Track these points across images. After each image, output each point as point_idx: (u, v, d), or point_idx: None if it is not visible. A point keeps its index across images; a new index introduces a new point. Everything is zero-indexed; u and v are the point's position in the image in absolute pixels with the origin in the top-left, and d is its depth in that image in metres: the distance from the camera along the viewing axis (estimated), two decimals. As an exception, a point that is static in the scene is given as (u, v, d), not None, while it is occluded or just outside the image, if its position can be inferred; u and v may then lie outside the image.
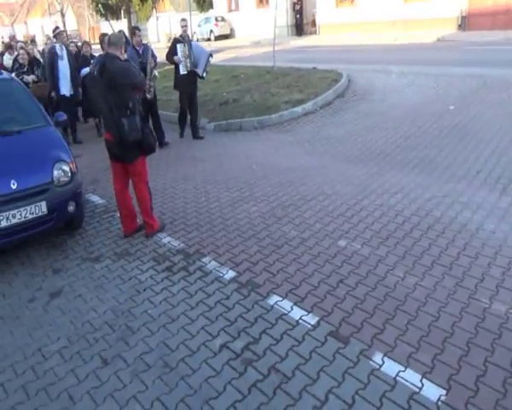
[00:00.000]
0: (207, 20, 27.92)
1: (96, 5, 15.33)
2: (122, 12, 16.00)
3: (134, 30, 6.74)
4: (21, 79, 6.88)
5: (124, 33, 6.40)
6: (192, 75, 6.99)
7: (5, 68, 8.22)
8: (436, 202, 4.35)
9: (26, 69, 7.27)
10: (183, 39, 6.93)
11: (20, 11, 45.96)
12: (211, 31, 27.60)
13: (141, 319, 2.94)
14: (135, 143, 3.76)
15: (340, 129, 7.21)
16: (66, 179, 3.89)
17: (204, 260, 3.62)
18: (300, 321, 2.78)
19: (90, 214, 4.70)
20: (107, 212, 4.76)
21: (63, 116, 4.63)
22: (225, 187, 5.16)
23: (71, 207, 3.93)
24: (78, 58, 7.97)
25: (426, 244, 3.60)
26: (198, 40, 14.33)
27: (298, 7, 24.16)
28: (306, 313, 2.86)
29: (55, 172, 3.83)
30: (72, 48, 8.58)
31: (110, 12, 15.68)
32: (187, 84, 7.02)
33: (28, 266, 3.77)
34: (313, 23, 24.24)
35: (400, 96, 8.85)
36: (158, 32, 31.73)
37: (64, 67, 7.42)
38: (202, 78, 7.14)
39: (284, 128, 7.59)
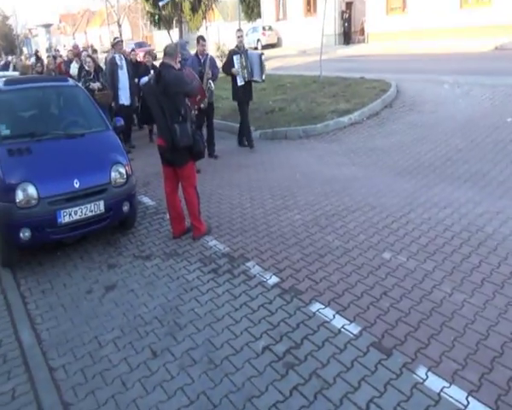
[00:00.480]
0: (255, 29, 28.36)
1: (151, 16, 16.08)
2: (174, 22, 16.66)
3: (199, 39, 6.73)
4: (87, 86, 7.24)
5: (178, 43, 6.70)
6: (249, 85, 7.06)
7: (71, 76, 8.75)
8: (488, 218, 4.21)
9: (92, 76, 7.52)
10: (239, 50, 6.97)
11: (80, 21, 48.99)
12: (258, 40, 28.00)
13: (188, 316, 3.08)
14: (186, 148, 3.96)
15: (387, 140, 7.12)
16: (123, 181, 4.15)
17: (248, 264, 3.72)
18: (342, 330, 2.81)
19: (141, 215, 4.95)
20: (158, 213, 4.99)
21: (121, 121, 4.94)
22: (270, 194, 5.26)
23: (125, 207, 4.18)
24: (139, 67, 8.26)
25: (476, 261, 3.50)
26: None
27: (346, 15, 24.01)
28: (349, 322, 2.87)
29: (113, 174, 4.09)
30: (132, 56, 8.97)
31: (163, 22, 16.42)
32: (245, 93, 7.06)
33: (86, 260, 4.05)
34: (362, 31, 23.98)
35: (453, 107, 8.59)
36: (207, 41, 32.63)
37: (123, 76, 7.67)
38: (262, 81, 7.19)
39: (330, 138, 7.59)
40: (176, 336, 2.88)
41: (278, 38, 28.11)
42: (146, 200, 5.45)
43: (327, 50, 20.48)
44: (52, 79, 6.27)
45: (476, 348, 2.58)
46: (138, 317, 3.12)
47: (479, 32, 17.90)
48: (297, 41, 25.19)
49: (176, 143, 3.88)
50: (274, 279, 3.45)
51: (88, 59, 7.75)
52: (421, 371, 2.43)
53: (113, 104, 7.65)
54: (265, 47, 27.61)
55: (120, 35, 29.38)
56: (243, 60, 6.86)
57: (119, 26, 28.99)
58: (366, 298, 3.12)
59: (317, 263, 3.64)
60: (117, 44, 8.13)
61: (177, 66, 4.10)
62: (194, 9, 15.46)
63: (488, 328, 2.74)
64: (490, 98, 8.79)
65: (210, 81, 6.41)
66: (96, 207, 3.91)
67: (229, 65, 6.93)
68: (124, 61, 7.73)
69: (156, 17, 16.18)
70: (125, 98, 7.69)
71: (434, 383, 2.35)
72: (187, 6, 15.44)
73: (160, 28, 18.27)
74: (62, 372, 2.65)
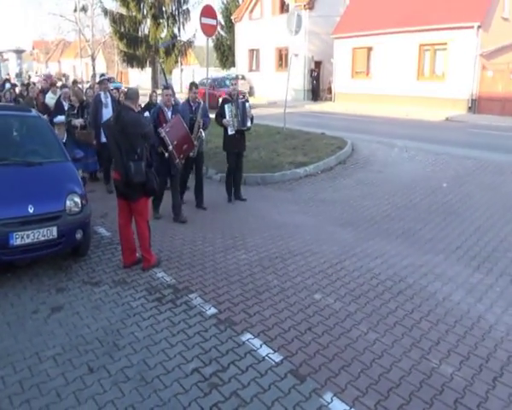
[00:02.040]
0: (228, 76, 29.65)
1: (125, 54, 16.81)
2: (147, 62, 17.42)
3: (191, 86, 6.64)
4: (69, 121, 7.30)
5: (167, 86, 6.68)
6: (240, 134, 6.86)
7: (47, 107, 8.59)
8: (411, 270, 4.72)
9: (76, 111, 7.50)
10: (232, 98, 6.83)
11: (55, 50, 49.17)
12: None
13: (127, 338, 3.33)
14: (139, 184, 4.31)
15: (337, 193, 7.74)
16: (77, 209, 4.42)
17: (191, 295, 4.03)
18: (266, 358, 3.14)
19: (96, 244, 5.18)
20: (112, 244, 5.24)
21: (80, 154, 5.28)
22: (221, 234, 5.63)
23: (78, 235, 4.42)
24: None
25: (393, 307, 3.96)
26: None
27: (315, 73, 25.64)
28: (273, 351, 3.21)
29: (68, 202, 4.36)
30: (115, 94, 8.81)
31: (136, 61, 17.12)
32: (235, 143, 6.86)
33: (36, 283, 4.22)
34: (329, 90, 25.56)
35: (399, 169, 9.43)
36: (181, 83, 33.69)
37: (108, 114, 7.19)
38: (249, 128, 7.04)
39: (285, 187, 8.14)
40: (113, 356, 3.12)
41: (250, 88, 29.38)
42: (102, 230, 5.69)
43: (295, 104, 21.79)
44: (15, 108, 6.40)
45: (378, 379, 2.97)
46: (80, 337, 3.34)
47: (433, 103, 19.50)
48: (268, 92, 26.49)
49: (130, 179, 4.24)
50: (212, 310, 3.77)
51: (73, 97, 7.72)
52: (328, 396, 2.78)
53: (94, 142, 7.42)
54: (238, 95, 28.81)
55: (94, 69, 29.88)
56: (234, 108, 6.69)
57: (93, 60, 29.49)
58: (292, 332, 3.48)
59: (254, 299, 3.99)
60: (102, 82, 7.97)
61: (137, 109, 4.53)
62: (167, 53, 16.25)
63: (392, 363, 3.14)
64: (432, 164, 9.72)
65: (201, 130, 6.32)
66: (49, 233, 4.14)
67: (220, 115, 6.71)
68: (109, 99, 7.61)
69: (125, 56, 16.90)
70: (103, 135, 7.33)
71: (337, 406, 2.71)
72: (160, 49, 16.23)
73: (132, 67, 18.98)
74: (0, 383, 2.82)
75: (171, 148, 5.64)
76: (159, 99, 7.66)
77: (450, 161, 9.83)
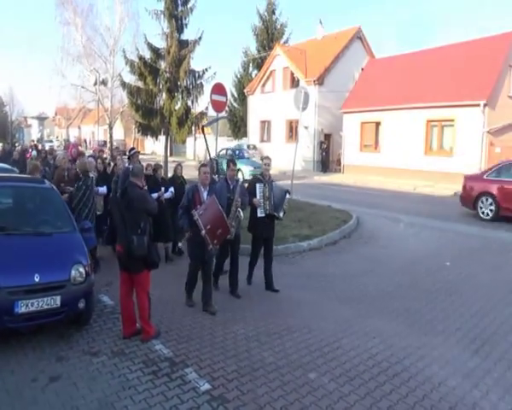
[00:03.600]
0: (240, 146, 30.70)
1: (140, 125, 17.91)
2: (162, 132, 18.45)
3: (229, 163, 6.34)
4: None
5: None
6: (270, 218, 6.43)
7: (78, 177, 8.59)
8: (409, 352, 4.71)
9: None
10: (264, 179, 6.44)
11: (76, 116, 51.94)
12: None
13: (120, 412, 3.38)
14: (141, 257, 4.53)
15: (339, 268, 7.84)
16: (81, 279, 4.62)
17: (187, 370, 4.09)
18: (254, 440, 3.15)
19: (98, 313, 5.32)
20: (114, 313, 5.37)
21: (88, 224, 5.57)
22: (221, 307, 5.71)
23: (81, 304, 4.59)
24: (149, 180, 7.42)
25: (388, 390, 3.95)
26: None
27: (324, 145, 26.61)
28: (263, 432, 3.23)
29: (73, 272, 4.57)
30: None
31: (150, 132, 18.16)
32: (264, 227, 6.40)
33: (37, 351, 4.34)
34: (338, 161, 26.34)
35: (403, 245, 9.55)
36: (195, 152, 35.04)
37: None
38: (280, 219, 6.58)
39: (288, 260, 8.28)
40: (105, 430, 3.16)
41: (261, 158, 30.37)
42: (106, 299, 5.84)
43: (305, 175, 22.41)
44: (29, 179, 6.52)
45: None
46: (75, 408, 3.41)
47: (441, 177, 19.70)
48: (278, 162, 27.28)
49: (132, 252, 4.47)
50: (206, 386, 3.82)
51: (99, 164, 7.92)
52: None
53: None
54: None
55: (111, 137, 31.34)
56: (267, 190, 6.31)
57: (110, 128, 31.12)
58: (283, 413, 3.50)
59: (248, 376, 4.03)
60: (134, 156, 7.96)
61: (142, 184, 4.86)
62: (180, 124, 17.18)
63: (382, 451, 3.12)
64: (436, 241, 9.83)
65: (239, 210, 5.92)
66: (53, 302, 4.31)
67: (250, 193, 6.28)
68: None
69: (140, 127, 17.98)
70: None
71: None
72: (174, 121, 17.18)
73: (147, 136, 20.14)
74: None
75: (203, 232, 5.19)
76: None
77: (454, 239, 9.94)
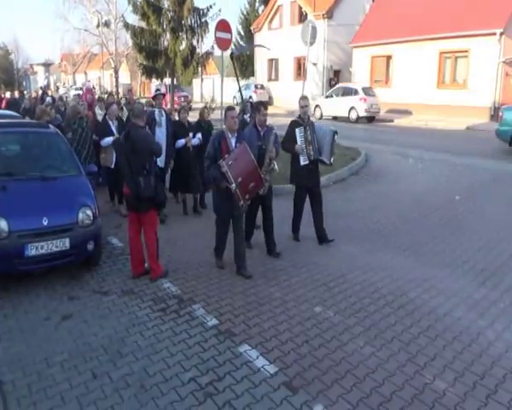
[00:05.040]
0: (247, 86, 29.74)
1: (144, 67, 17.43)
2: (167, 73, 17.95)
3: (259, 107, 5.39)
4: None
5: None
6: (314, 165, 5.81)
7: (97, 121, 7.80)
8: (415, 285, 4.74)
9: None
10: (304, 122, 5.71)
11: (81, 62, 50.89)
12: (250, 97, 29.50)
13: (130, 346, 3.50)
14: (148, 198, 4.52)
15: (347, 206, 7.78)
16: (89, 222, 4.64)
17: (194, 306, 4.18)
18: (262, 369, 3.25)
19: (107, 254, 5.40)
20: (123, 254, 5.44)
21: (94, 168, 5.53)
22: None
23: (90, 246, 4.65)
24: (175, 125, 7.02)
25: (392, 321, 4.01)
26: (237, 104, 15.64)
27: (333, 82, 25.74)
28: (269, 363, 3.32)
29: (80, 215, 4.58)
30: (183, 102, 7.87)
31: (155, 73, 17.69)
32: (309, 175, 5.78)
33: (49, 291, 4.46)
34: (349, 97, 25.56)
35: (412, 180, 9.40)
36: (202, 94, 34.22)
37: (161, 135, 6.52)
38: (330, 164, 6.04)
39: (296, 198, 8.22)
40: (116, 363, 3.29)
41: (270, 97, 29.67)
42: (115, 241, 5.90)
43: (314, 113, 21.85)
44: (33, 124, 6.44)
45: (370, 393, 3.04)
46: (87, 344, 3.53)
47: (453, 112, 19.21)
48: (287, 101, 26.66)
49: (139, 193, 4.45)
50: (214, 321, 3.91)
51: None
52: (319, 408, 2.87)
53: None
54: (257, 104, 29.12)
55: (117, 81, 30.61)
56: (308, 134, 5.64)
57: (116, 72, 30.37)
58: (289, 344, 3.58)
59: (254, 311, 4.11)
60: (157, 97, 6.97)
61: (144, 124, 4.75)
62: (185, 65, 16.65)
63: (385, 377, 3.20)
64: (446, 175, 9.65)
65: (274, 162, 5.18)
66: (62, 244, 4.37)
67: (290, 140, 5.67)
68: (164, 118, 6.70)
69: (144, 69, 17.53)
70: (159, 160, 6.04)
71: (327, 418, 2.79)
72: (179, 61, 16.64)
73: (151, 79, 19.63)
74: (10, 386, 3.03)
75: (234, 187, 4.49)
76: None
77: (465, 173, 9.75)
